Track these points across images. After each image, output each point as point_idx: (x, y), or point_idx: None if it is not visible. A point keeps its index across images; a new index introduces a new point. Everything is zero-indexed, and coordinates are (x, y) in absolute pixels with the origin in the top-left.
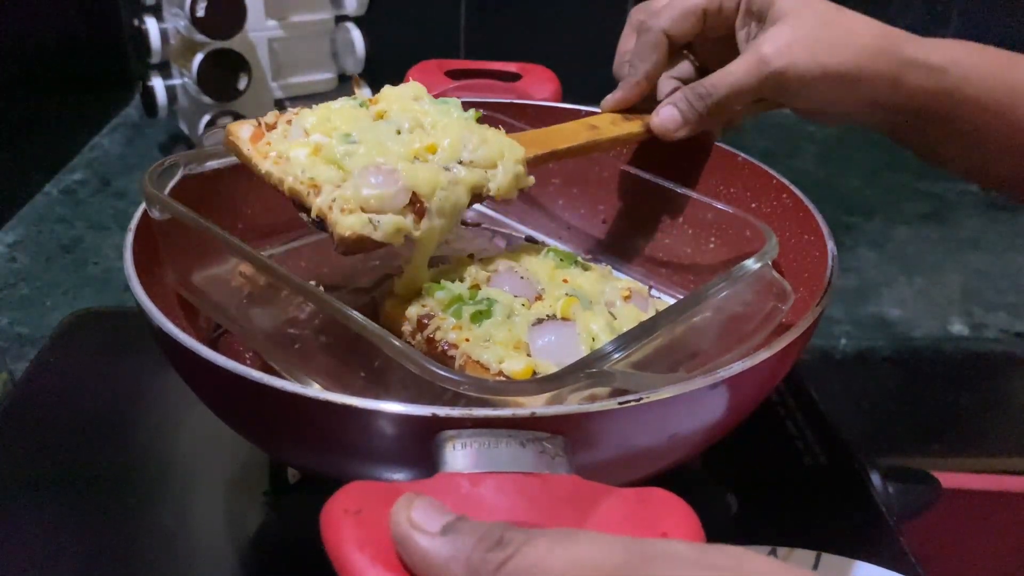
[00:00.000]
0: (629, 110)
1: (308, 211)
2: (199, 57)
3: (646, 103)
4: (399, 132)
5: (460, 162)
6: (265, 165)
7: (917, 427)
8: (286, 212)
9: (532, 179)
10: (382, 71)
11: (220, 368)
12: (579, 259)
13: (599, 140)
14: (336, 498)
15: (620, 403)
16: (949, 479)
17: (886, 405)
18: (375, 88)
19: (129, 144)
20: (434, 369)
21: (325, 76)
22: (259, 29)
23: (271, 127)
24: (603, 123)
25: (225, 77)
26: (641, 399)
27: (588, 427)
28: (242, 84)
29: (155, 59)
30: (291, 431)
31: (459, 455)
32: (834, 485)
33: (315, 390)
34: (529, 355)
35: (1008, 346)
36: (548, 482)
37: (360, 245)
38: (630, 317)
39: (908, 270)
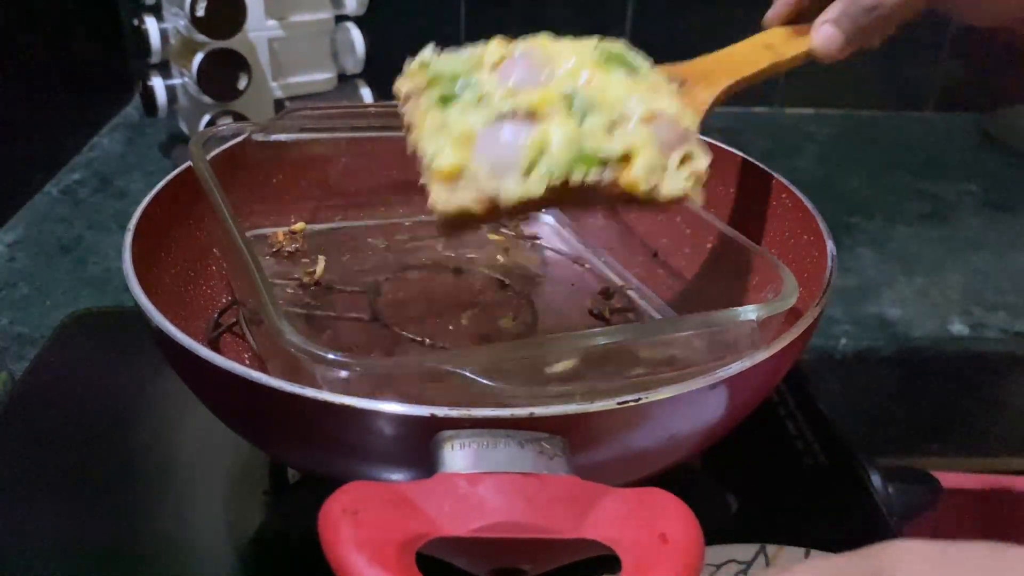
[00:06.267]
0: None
1: None
2: (199, 57)
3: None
4: None
5: None
6: None
7: (917, 427)
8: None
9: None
10: (382, 71)
11: (219, 368)
12: (633, 60)
13: (779, 62)
14: (334, 498)
15: (619, 403)
16: (949, 479)
17: (886, 405)
18: (375, 88)
19: (129, 144)
20: (294, 339)
21: (325, 76)
22: (259, 29)
23: None
24: (777, 40)
25: (225, 77)
26: (640, 399)
27: (587, 427)
28: (242, 84)
29: (155, 59)
30: (290, 431)
31: (457, 455)
32: (834, 485)
33: (314, 390)
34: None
35: (1008, 346)
36: (547, 482)
37: None
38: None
39: (908, 270)
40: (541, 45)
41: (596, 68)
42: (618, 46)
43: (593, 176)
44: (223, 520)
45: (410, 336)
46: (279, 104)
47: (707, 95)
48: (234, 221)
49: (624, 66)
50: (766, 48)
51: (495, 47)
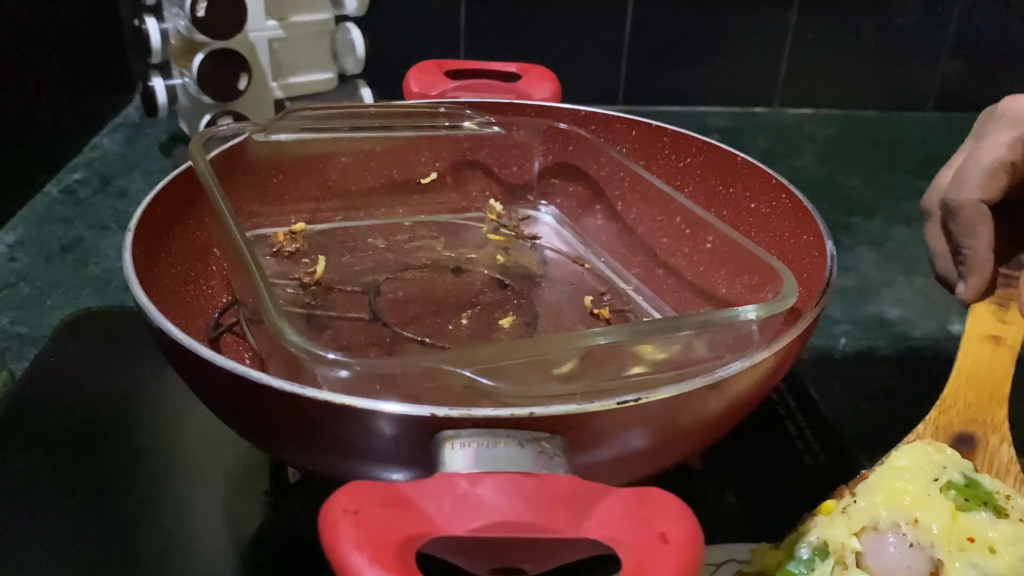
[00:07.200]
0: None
1: None
2: (199, 57)
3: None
4: None
5: None
6: None
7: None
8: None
9: None
10: (382, 71)
11: (219, 368)
12: (992, 493)
13: (1015, 354)
14: (334, 498)
15: (619, 403)
16: None
17: (886, 405)
18: (375, 88)
19: (129, 144)
20: (295, 339)
21: (325, 76)
22: (259, 29)
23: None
24: (993, 327)
25: (225, 77)
26: (640, 399)
27: (587, 427)
28: (242, 84)
29: (155, 59)
30: (290, 431)
31: (457, 455)
32: (834, 485)
33: (314, 390)
34: None
35: None
36: (546, 482)
37: None
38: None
39: (908, 270)
40: (893, 509)
41: (961, 516)
42: (969, 484)
43: None
44: (223, 520)
45: (410, 336)
46: (279, 104)
47: (1005, 444)
48: (234, 221)
49: (985, 506)
50: (996, 344)
51: (843, 535)
